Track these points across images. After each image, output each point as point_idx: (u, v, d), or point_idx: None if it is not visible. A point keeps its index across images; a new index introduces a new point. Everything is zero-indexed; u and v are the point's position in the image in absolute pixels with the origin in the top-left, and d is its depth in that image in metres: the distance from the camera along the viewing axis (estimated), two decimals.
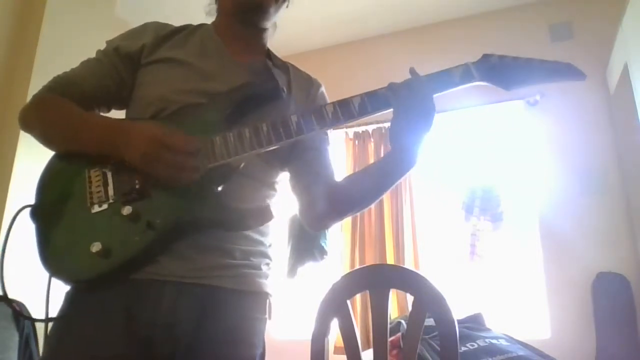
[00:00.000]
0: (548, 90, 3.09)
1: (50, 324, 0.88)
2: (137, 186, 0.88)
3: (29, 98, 1.00)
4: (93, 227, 0.87)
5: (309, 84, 1.13)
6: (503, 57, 0.94)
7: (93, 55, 1.06)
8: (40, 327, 1.72)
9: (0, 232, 2.16)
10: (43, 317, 0.87)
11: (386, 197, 3.01)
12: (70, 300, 0.90)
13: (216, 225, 0.89)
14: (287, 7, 1.09)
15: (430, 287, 1.39)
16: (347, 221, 3.39)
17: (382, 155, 3.41)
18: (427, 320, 1.40)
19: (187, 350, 0.87)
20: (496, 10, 3.47)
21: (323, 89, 1.16)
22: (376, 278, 1.49)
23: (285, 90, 0.99)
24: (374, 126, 3.53)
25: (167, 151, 0.83)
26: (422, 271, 2.89)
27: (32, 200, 0.92)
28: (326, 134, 1.10)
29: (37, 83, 2.26)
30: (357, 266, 3.19)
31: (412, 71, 0.94)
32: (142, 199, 0.87)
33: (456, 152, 3.38)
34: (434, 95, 0.92)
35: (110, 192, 0.89)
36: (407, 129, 0.92)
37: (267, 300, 1.00)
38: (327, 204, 1.04)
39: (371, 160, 3.50)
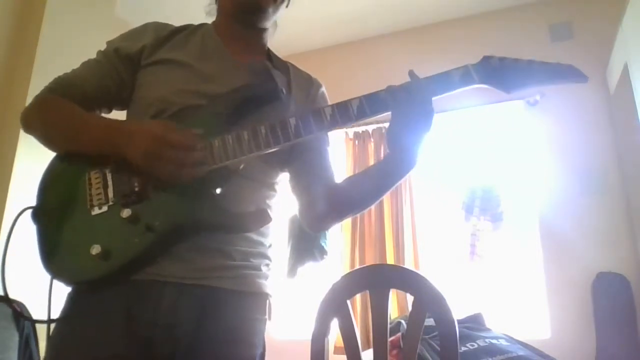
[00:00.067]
0: (548, 91, 3.09)
1: (52, 325, 0.89)
2: (136, 188, 0.88)
3: (29, 98, 1.01)
4: (93, 229, 0.87)
5: (309, 84, 1.13)
6: (504, 59, 0.93)
7: (93, 55, 1.06)
8: (40, 328, 1.72)
9: (0, 232, 2.17)
10: (44, 317, 0.88)
11: (386, 197, 3.01)
12: (72, 301, 0.90)
13: (215, 228, 0.89)
14: (287, 6, 1.09)
15: (430, 287, 1.39)
16: (347, 221, 3.39)
17: (382, 155, 3.42)
18: (427, 320, 1.40)
19: (187, 350, 0.87)
20: (496, 10, 3.47)
21: (323, 89, 1.16)
22: (376, 278, 1.49)
23: (284, 91, 0.99)
24: (374, 126, 3.53)
25: (168, 148, 0.84)
26: (422, 271, 2.89)
27: (32, 200, 0.93)
28: (326, 135, 1.10)
29: (37, 83, 2.29)
30: (357, 266, 3.19)
31: (411, 74, 0.94)
32: (142, 201, 0.87)
33: (456, 152, 3.38)
34: (433, 98, 0.92)
35: (110, 194, 0.89)
36: (406, 132, 0.92)
37: (267, 301, 1.00)
38: (326, 204, 1.04)
39: (371, 160, 3.50)
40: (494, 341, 1.87)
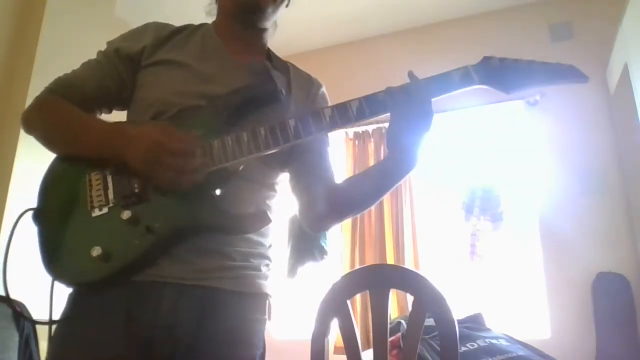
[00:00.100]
0: (548, 91, 3.09)
1: (53, 326, 0.89)
2: (136, 190, 0.88)
3: (29, 98, 1.01)
4: (93, 231, 0.88)
5: (309, 84, 1.13)
6: (504, 59, 0.93)
7: (93, 55, 1.06)
8: (40, 328, 1.72)
9: (0, 232, 2.17)
10: (44, 317, 0.88)
11: (386, 197, 3.01)
12: (73, 303, 0.90)
13: (215, 229, 0.89)
14: (287, 6, 1.09)
15: (430, 287, 1.39)
16: (347, 221, 3.39)
17: (382, 155, 3.42)
18: (427, 320, 1.40)
19: (187, 350, 0.87)
20: (496, 10, 3.47)
21: (324, 89, 1.15)
22: (376, 278, 1.49)
23: (284, 92, 0.99)
24: (374, 126, 3.53)
25: (167, 155, 0.84)
26: (422, 271, 2.89)
27: (32, 200, 0.93)
28: (326, 135, 1.10)
29: (37, 83, 2.29)
30: (357, 266, 3.19)
31: (411, 75, 0.94)
32: (142, 202, 0.87)
33: (456, 152, 3.38)
34: (433, 99, 0.91)
35: (111, 195, 0.89)
36: (406, 133, 0.92)
37: (267, 301, 1.00)
38: (326, 205, 1.04)
39: (371, 160, 3.51)
40: (494, 341, 1.87)
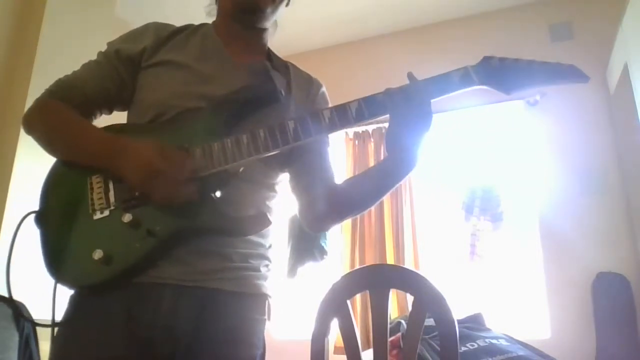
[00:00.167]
0: (548, 91, 3.09)
1: (56, 328, 0.90)
2: (136, 193, 0.88)
3: (29, 98, 1.01)
4: (95, 234, 0.88)
5: (309, 84, 1.13)
6: (504, 59, 0.92)
7: (93, 55, 1.06)
8: (41, 328, 1.72)
9: (0, 232, 2.17)
10: (45, 316, 0.89)
11: (386, 197, 3.01)
12: (74, 304, 0.91)
13: (215, 232, 0.90)
14: (286, 5, 1.09)
15: (430, 287, 1.39)
16: (347, 221, 3.39)
17: (382, 155, 3.42)
18: (427, 320, 1.40)
19: (187, 350, 0.88)
20: (496, 10, 3.47)
21: (324, 89, 1.15)
22: (376, 278, 1.49)
23: (283, 92, 0.99)
24: (374, 126, 3.53)
25: (162, 179, 0.84)
26: (422, 271, 2.89)
27: (32, 201, 0.93)
28: (326, 136, 1.10)
29: (37, 83, 2.29)
30: (357, 266, 3.19)
31: (410, 75, 0.94)
32: (142, 205, 0.88)
33: (456, 152, 3.38)
34: (432, 100, 0.91)
35: (112, 198, 0.90)
36: (405, 133, 0.92)
37: (266, 302, 1.00)
38: (326, 205, 1.04)
39: (371, 161, 3.51)
40: (494, 341, 1.87)
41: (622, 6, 2.53)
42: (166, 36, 1.05)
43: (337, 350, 2.73)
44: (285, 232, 3.31)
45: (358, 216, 3.20)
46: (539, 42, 3.28)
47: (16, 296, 0.89)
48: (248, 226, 0.91)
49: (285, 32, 1.32)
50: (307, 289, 3.35)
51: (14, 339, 1.82)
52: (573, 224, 2.95)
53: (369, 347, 1.57)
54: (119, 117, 1.06)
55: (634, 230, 2.80)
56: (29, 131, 1.00)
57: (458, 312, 1.45)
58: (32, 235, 0.89)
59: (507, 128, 3.35)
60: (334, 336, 2.73)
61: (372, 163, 3.45)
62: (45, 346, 1.92)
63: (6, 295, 0.88)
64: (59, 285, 0.88)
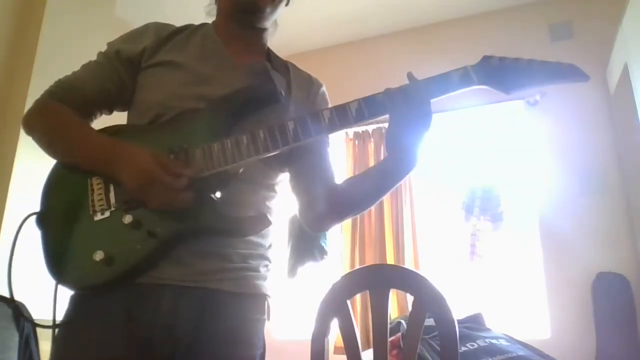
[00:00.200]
0: (548, 90, 3.09)
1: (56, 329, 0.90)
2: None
3: (29, 98, 1.01)
4: (96, 235, 0.88)
5: (310, 84, 1.13)
6: (503, 58, 0.92)
7: (93, 55, 1.06)
8: (42, 329, 1.72)
9: (0, 232, 2.17)
10: (45, 316, 0.89)
11: (386, 197, 3.01)
12: (74, 304, 0.91)
13: (215, 233, 0.90)
14: (286, 5, 1.08)
15: (430, 287, 1.39)
16: (347, 221, 3.39)
17: (382, 155, 3.42)
18: (427, 320, 1.40)
19: (187, 350, 0.88)
20: (496, 10, 3.47)
21: (324, 88, 1.15)
22: (376, 278, 1.49)
23: (283, 93, 0.99)
24: (374, 126, 3.53)
25: (157, 187, 0.84)
26: (422, 271, 2.89)
27: (32, 201, 0.93)
28: (326, 136, 1.10)
29: (37, 83, 2.29)
30: (357, 266, 3.19)
31: (410, 75, 0.94)
32: (143, 206, 0.88)
33: (456, 152, 3.38)
34: (432, 100, 0.91)
35: (112, 200, 0.90)
36: (405, 133, 0.92)
37: (266, 302, 1.01)
38: (326, 205, 1.04)
39: (371, 161, 3.51)
40: (494, 341, 1.87)
41: (622, 6, 2.53)
42: (166, 36, 1.05)
43: (337, 350, 2.73)
44: (285, 232, 3.31)
45: (358, 216, 3.21)
46: (539, 42, 3.28)
47: (16, 296, 0.89)
48: (248, 227, 0.91)
49: (285, 32, 1.32)
50: (307, 289, 3.35)
51: (14, 339, 1.82)
52: (573, 224, 2.95)
53: (369, 347, 1.57)
54: (119, 117, 1.06)
55: (634, 230, 2.80)
56: (29, 132, 1.01)
57: (458, 312, 1.45)
58: (32, 235, 0.89)
59: (507, 128, 3.34)
60: (334, 336, 2.73)
61: (372, 163, 3.45)
62: (45, 346, 1.92)
63: (6, 294, 0.89)
64: (59, 286, 0.88)
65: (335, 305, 1.48)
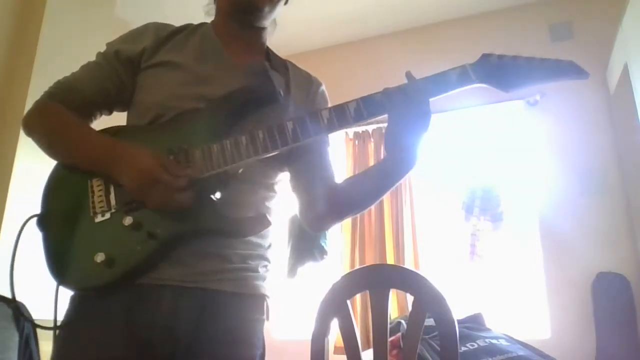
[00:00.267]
0: (548, 90, 3.09)
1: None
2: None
3: (29, 98, 1.01)
4: (97, 237, 0.88)
5: (309, 83, 1.13)
6: (502, 56, 0.92)
7: (93, 55, 1.06)
8: (42, 329, 1.73)
9: (0, 232, 2.17)
10: (45, 316, 0.89)
11: (386, 197, 3.01)
12: (75, 305, 0.91)
13: (215, 234, 0.90)
14: (285, 4, 1.08)
15: (430, 287, 1.39)
16: (347, 221, 3.39)
17: (382, 155, 3.41)
18: (427, 320, 1.40)
19: (187, 350, 0.88)
20: (496, 10, 3.47)
21: (323, 87, 1.15)
22: (376, 278, 1.48)
23: (282, 93, 0.99)
24: (374, 126, 3.53)
25: (157, 187, 0.85)
26: (422, 271, 2.89)
27: (32, 201, 0.93)
28: (326, 135, 1.10)
29: (37, 83, 2.29)
30: (357, 266, 3.19)
31: (408, 75, 0.93)
32: (143, 208, 0.88)
33: (456, 152, 3.38)
34: (431, 99, 0.91)
35: (112, 201, 0.90)
36: (404, 133, 0.91)
37: (265, 302, 1.01)
38: (326, 204, 1.04)
39: (371, 160, 3.51)
40: (494, 341, 1.87)
41: (622, 6, 2.53)
42: (165, 36, 1.05)
43: (337, 350, 2.73)
44: (285, 232, 3.31)
45: (358, 216, 3.21)
46: (539, 42, 3.28)
47: (17, 296, 0.90)
48: (248, 227, 0.91)
49: (285, 32, 1.32)
50: (307, 289, 3.35)
51: (14, 339, 1.82)
52: (573, 224, 2.95)
53: (369, 347, 1.57)
54: (119, 118, 1.06)
55: (634, 230, 2.80)
56: (29, 134, 1.01)
57: (458, 312, 1.45)
58: (31, 235, 0.89)
59: (507, 128, 3.34)
60: (334, 336, 2.73)
61: (372, 163, 3.45)
62: (45, 346, 1.92)
63: (7, 295, 0.89)
64: (60, 287, 0.88)
65: (335, 305, 1.48)
